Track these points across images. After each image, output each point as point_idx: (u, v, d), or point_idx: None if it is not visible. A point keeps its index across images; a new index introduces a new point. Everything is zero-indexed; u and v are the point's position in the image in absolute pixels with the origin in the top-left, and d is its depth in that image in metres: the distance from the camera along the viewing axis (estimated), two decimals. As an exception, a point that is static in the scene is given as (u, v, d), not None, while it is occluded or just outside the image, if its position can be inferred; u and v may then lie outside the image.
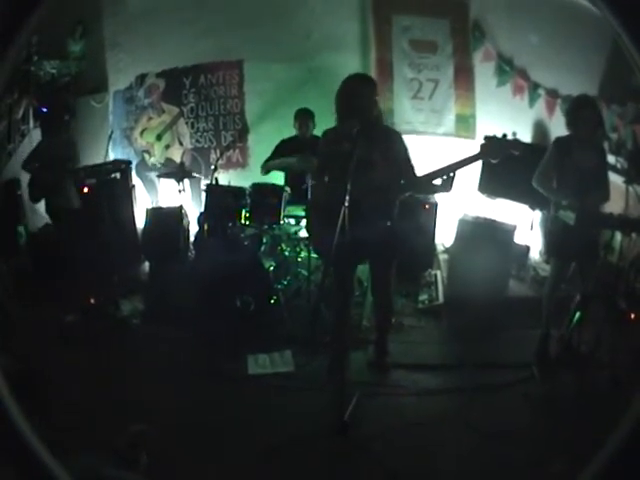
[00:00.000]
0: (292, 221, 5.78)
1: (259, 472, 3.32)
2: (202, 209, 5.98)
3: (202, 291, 5.11)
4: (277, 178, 6.13)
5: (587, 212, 4.04)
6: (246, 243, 5.22)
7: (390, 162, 3.81)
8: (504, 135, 3.68)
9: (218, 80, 7.01)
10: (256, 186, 5.65)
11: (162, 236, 6.18)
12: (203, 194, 5.99)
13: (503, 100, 6.31)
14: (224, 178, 6.23)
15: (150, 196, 7.31)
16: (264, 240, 5.41)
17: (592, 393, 3.83)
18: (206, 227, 5.67)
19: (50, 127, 5.95)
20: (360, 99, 3.77)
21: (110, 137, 6.58)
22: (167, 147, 7.31)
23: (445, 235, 6.19)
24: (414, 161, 3.94)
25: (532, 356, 4.47)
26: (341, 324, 4.18)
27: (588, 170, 4.20)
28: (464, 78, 6.60)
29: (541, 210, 5.39)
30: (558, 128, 4.95)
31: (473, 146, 5.27)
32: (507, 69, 6.21)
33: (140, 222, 6.61)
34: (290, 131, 5.99)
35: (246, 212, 5.52)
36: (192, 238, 6.33)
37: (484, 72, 6.46)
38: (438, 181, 3.77)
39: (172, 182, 6.17)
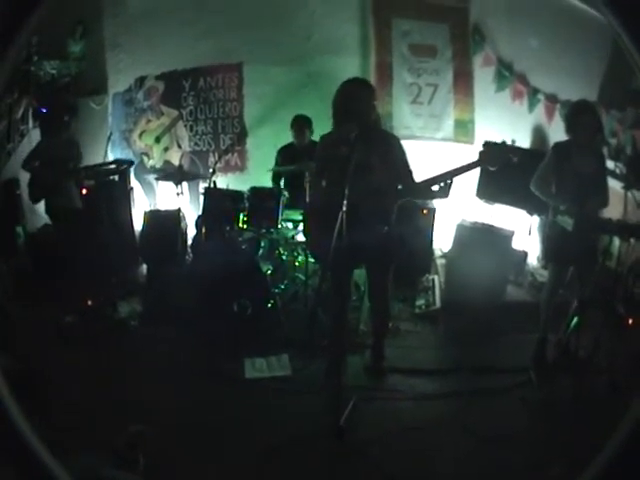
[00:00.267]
0: (290, 225, 5.79)
1: (257, 473, 3.31)
2: (200, 212, 5.97)
3: (199, 294, 5.10)
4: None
5: (586, 217, 4.04)
6: (244, 247, 5.21)
7: (388, 167, 3.79)
8: (503, 142, 3.68)
9: (217, 83, 7.01)
10: (254, 190, 5.66)
11: (160, 239, 6.17)
12: (201, 197, 5.99)
13: (502, 105, 6.32)
14: (222, 181, 6.23)
15: (148, 198, 7.30)
16: (262, 244, 5.41)
17: (590, 398, 3.82)
18: (204, 230, 5.67)
19: (50, 127, 5.94)
20: (358, 103, 3.75)
21: (109, 139, 6.58)
22: (166, 150, 7.31)
23: (443, 240, 6.19)
24: (412, 166, 3.93)
25: (529, 361, 4.46)
26: (338, 328, 4.17)
27: (587, 175, 4.19)
28: (463, 83, 6.61)
29: (539, 215, 5.39)
30: (557, 133, 4.94)
31: (472, 151, 5.29)
32: (507, 74, 6.21)
33: (138, 224, 6.60)
34: (289, 135, 6.01)
35: (244, 216, 5.53)
36: (190, 241, 6.32)
37: (483, 77, 6.47)
38: (435, 187, 3.77)
39: (170, 185, 6.17)
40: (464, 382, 4.31)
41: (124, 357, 4.56)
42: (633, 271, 4.75)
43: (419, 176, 3.87)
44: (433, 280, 5.88)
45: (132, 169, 6.95)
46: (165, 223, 6.26)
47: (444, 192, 3.75)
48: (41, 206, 5.79)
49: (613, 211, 4.47)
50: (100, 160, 6.55)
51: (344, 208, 3.25)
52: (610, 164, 4.80)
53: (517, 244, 5.66)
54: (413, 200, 4.74)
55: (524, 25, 5.86)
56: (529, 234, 5.73)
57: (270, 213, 5.48)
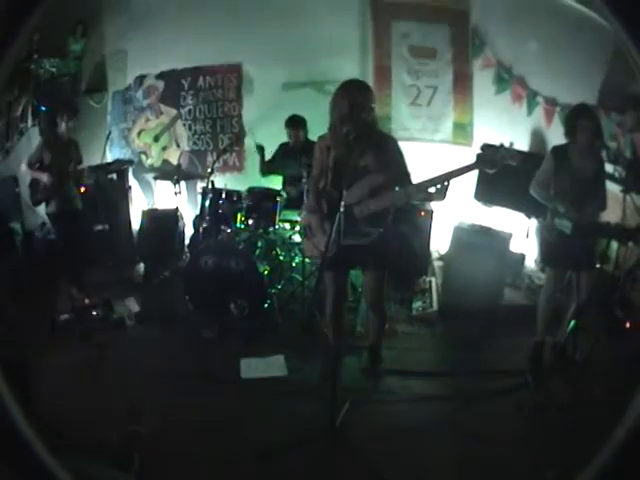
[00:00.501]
0: (287, 226, 5.79)
1: (252, 473, 3.32)
2: (198, 212, 5.97)
3: (196, 294, 5.10)
4: (276, 182, 6.15)
5: (584, 221, 4.04)
6: (241, 247, 5.21)
7: (385, 168, 3.78)
8: (501, 144, 3.67)
9: (217, 83, 7.01)
10: (252, 190, 5.67)
11: (157, 238, 6.18)
12: (199, 197, 5.99)
13: (501, 108, 6.31)
14: (220, 181, 6.23)
15: (146, 198, 7.30)
16: (259, 244, 5.40)
17: (587, 401, 3.82)
18: (201, 230, 5.67)
19: (49, 126, 5.92)
20: (355, 105, 3.74)
21: (108, 137, 6.55)
22: (164, 149, 7.31)
23: (440, 242, 6.19)
24: (410, 168, 3.92)
25: (526, 364, 4.45)
26: (335, 329, 4.16)
27: (585, 179, 4.19)
28: (463, 85, 6.60)
29: (537, 218, 5.39)
30: (556, 136, 4.94)
31: (470, 153, 5.28)
32: (506, 77, 6.21)
33: (136, 223, 6.60)
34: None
35: (242, 216, 5.53)
36: (187, 241, 6.32)
37: (483, 79, 6.46)
38: (432, 189, 3.76)
39: (168, 184, 6.17)
40: (460, 385, 4.31)
41: (119, 357, 4.55)
42: (631, 275, 4.74)
43: (417, 178, 3.86)
44: (430, 282, 5.88)
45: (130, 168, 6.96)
46: (163, 222, 6.26)
47: (441, 194, 3.73)
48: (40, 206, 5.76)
49: (611, 215, 4.46)
50: (98, 158, 6.52)
51: (341, 209, 3.25)
52: (609, 167, 4.79)
53: (515, 247, 5.66)
54: (410, 202, 4.72)
55: (524, 28, 5.84)
56: (527, 237, 5.73)
57: (268, 213, 5.50)
